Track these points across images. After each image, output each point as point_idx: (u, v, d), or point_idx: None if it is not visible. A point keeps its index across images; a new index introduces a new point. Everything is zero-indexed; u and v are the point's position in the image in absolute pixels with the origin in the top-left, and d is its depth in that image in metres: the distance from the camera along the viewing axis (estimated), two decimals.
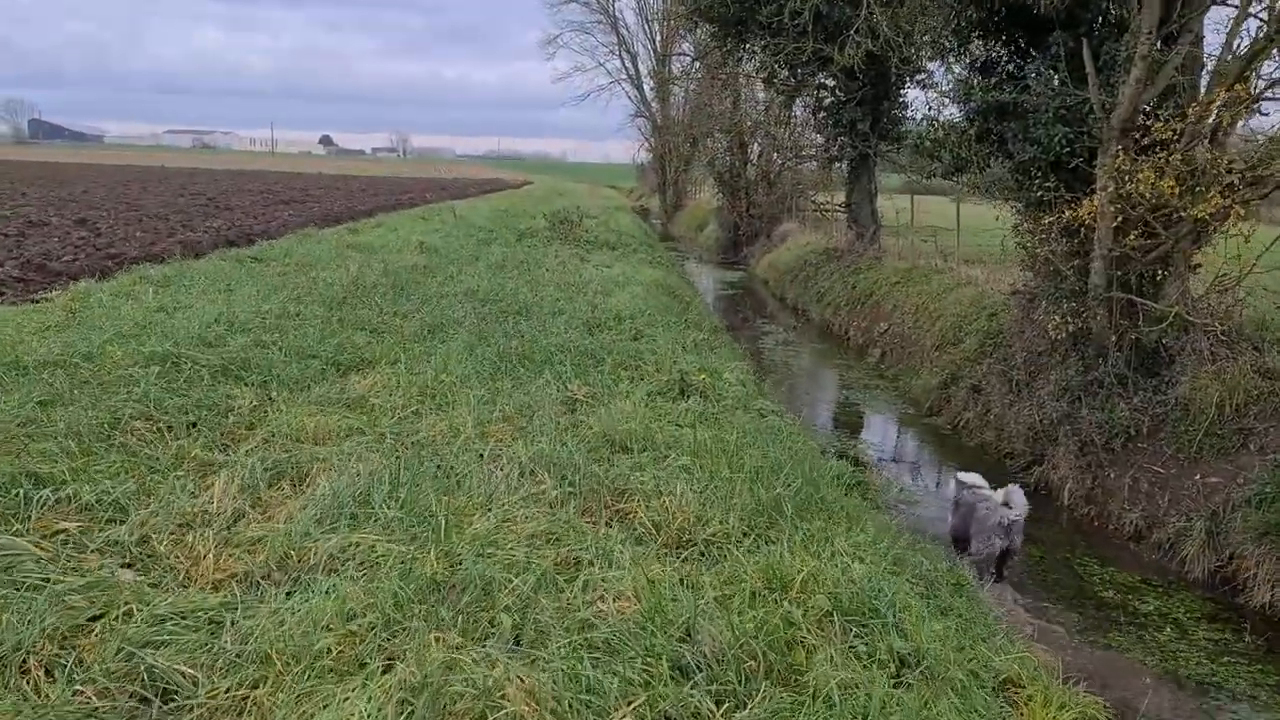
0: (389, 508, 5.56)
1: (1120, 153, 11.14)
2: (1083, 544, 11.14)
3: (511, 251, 22.37)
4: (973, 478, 10.20)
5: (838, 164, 30.77)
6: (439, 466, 6.52)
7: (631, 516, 5.76)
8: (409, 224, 28.96)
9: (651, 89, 70.21)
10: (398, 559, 4.90)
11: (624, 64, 70.30)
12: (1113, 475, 11.73)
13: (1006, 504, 9.63)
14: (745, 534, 5.56)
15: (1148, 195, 10.94)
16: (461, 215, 32.71)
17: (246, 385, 8.43)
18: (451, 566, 4.86)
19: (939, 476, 13.64)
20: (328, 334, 10.88)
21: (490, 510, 5.66)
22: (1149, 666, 8.41)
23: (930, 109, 13.51)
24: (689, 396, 9.02)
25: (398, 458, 6.68)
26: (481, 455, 6.82)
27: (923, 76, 28.51)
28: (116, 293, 12.98)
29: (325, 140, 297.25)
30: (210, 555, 5.03)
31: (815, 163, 40.94)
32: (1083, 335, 12.53)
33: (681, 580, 4.89)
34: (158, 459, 6.50)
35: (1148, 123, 11.26)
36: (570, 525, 5.50)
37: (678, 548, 5.42)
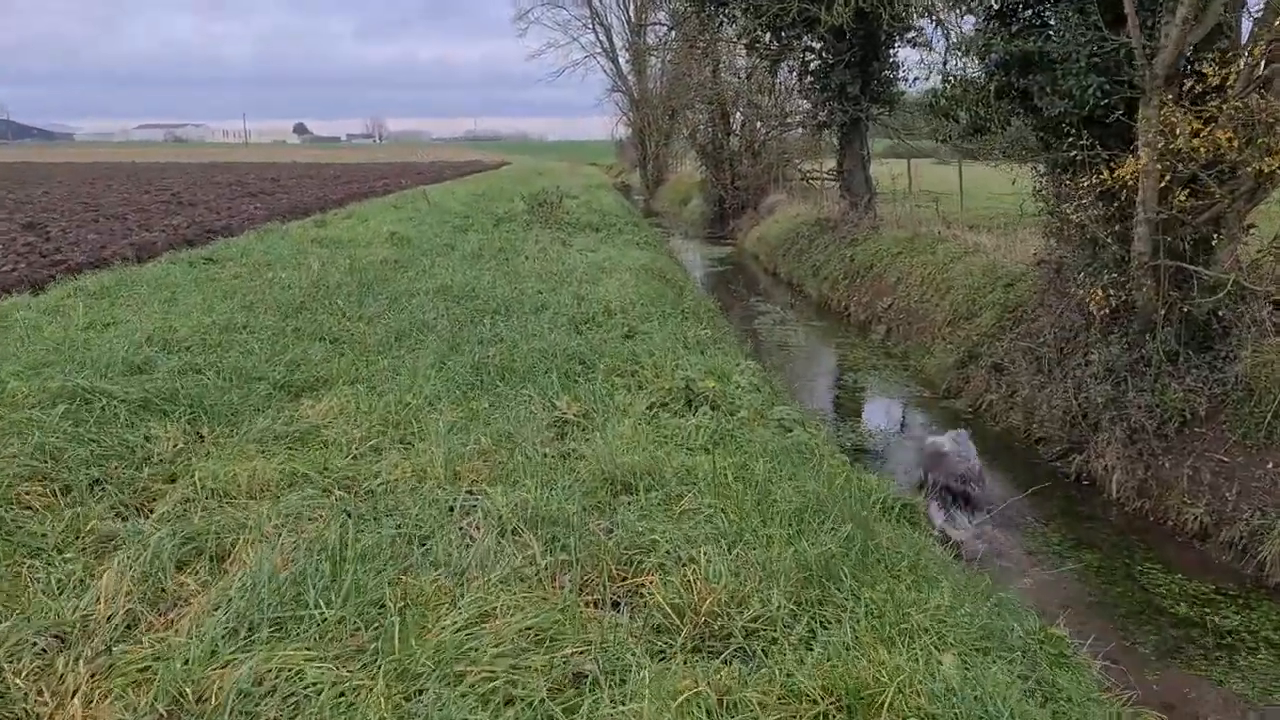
0: (329, 602, 4.24)
1: (1169, 102, 9.84)
2: (1141, 546, 9.90)
3: (488, 239, 20.96)
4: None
5: (827, 130, 29.28)
6: (398, 529, 5.20)
7: (645, 594, 4.46)
8: (381, 213, 27.49)
9: (627, 62, 68.54)
10: (332, 692, 3.59)
11: (598, 37, 68.66)
12: (1168, 465, 10.50)
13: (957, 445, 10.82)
14: (794, 614, 4.27)
15: (1202, 150, 9.66)
16: (436, 201, 31.21)
17: (173, 422, 7.08)
18: (406, 701, 3.55)
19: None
20: (279, 349, 9.52)
21: (463, 597, 4.35)
22: (1252, 701, 7.20)
23: (946, 64, 12.13)
24: (697, 408, 7.71)
25: (347, 517, 5.36)
26: (452, 509, 5.50)
27: (913, 34, 27.18)
28: (45, 309, 11.58)
29: (299, 129, 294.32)
30: (81, 693, 3.72)
31: (802, 130, 39.53)
32: (1125, 309, 11.26)
33: (721, 701, 3.60)
34: (43, 536, 5.16)
35: (1197, 68, 9.97)
36: (566, 614, 4.20)
37: (709, 640, 4.12)
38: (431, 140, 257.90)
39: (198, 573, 4.82)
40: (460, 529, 5.23)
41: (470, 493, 5.84)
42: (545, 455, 6.44)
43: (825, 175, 42.82)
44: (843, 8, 22.19)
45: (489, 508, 5.38)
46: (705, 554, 4.65)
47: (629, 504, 5.58)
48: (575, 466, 6.23)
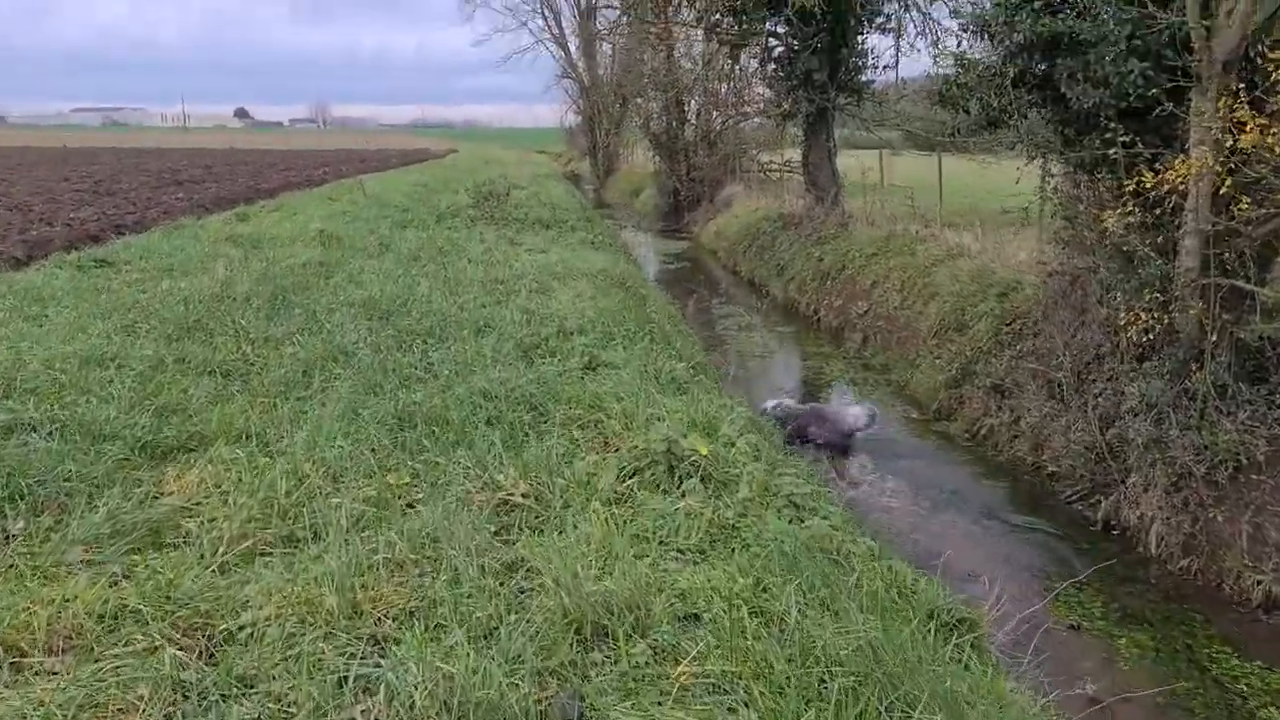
0: None
1: (1239, 91, 8.25)
2: (1198, 619, 8.33)
3: (429, 236, 19.01)
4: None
5: (791, 121, 27.61)
6: None
7: None
8: (313, 205, 25.38)
9: (577, 48, 66.50)
10: None
11: (546, 22, 66.40)
12: (1220, 518, 8.93)
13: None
14: None
15: (1278, 149, 8.08)
16: (374, 193, 29.08)
17: None
18: None
19: (984, 508, 10.78)
20: (151, 390, 7.58)
21: None
22: None
23: (960, 45, 10.44)
24: (683, 481, 5.96)
25: (181, 701, 3.55)
26: (343, 683, 3.70)
27: (882, 20, 25.66)
28: None
29: (241, 113, 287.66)
30: None
31: (759, 121, 37.91)
32: (1165, 333, 9.70)
33: None
34: None
35: (1264, 50, 8.39)
36: None
37: None
38: (377, 127, 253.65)
39: None
40: None
41: (375, 642, 4.04)
42: (483, 570, 4.64)
43: (782, 167, 41.26)
44: None
45: (396, 684, 3.58)
46: None
47: (605, 667, 3.81)
48: (525, 590, 4.44)
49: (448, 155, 77.08)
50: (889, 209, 24.30)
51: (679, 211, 41.86)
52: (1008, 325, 14.17)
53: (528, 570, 4.66)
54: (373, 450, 6.34)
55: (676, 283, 27.83)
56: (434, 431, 6.69)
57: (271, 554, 4.94)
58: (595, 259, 16.52)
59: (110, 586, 4.49)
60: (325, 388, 7.85)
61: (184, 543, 5.08)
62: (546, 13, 66.24)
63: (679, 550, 4.99)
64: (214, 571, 4.74)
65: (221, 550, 4.95)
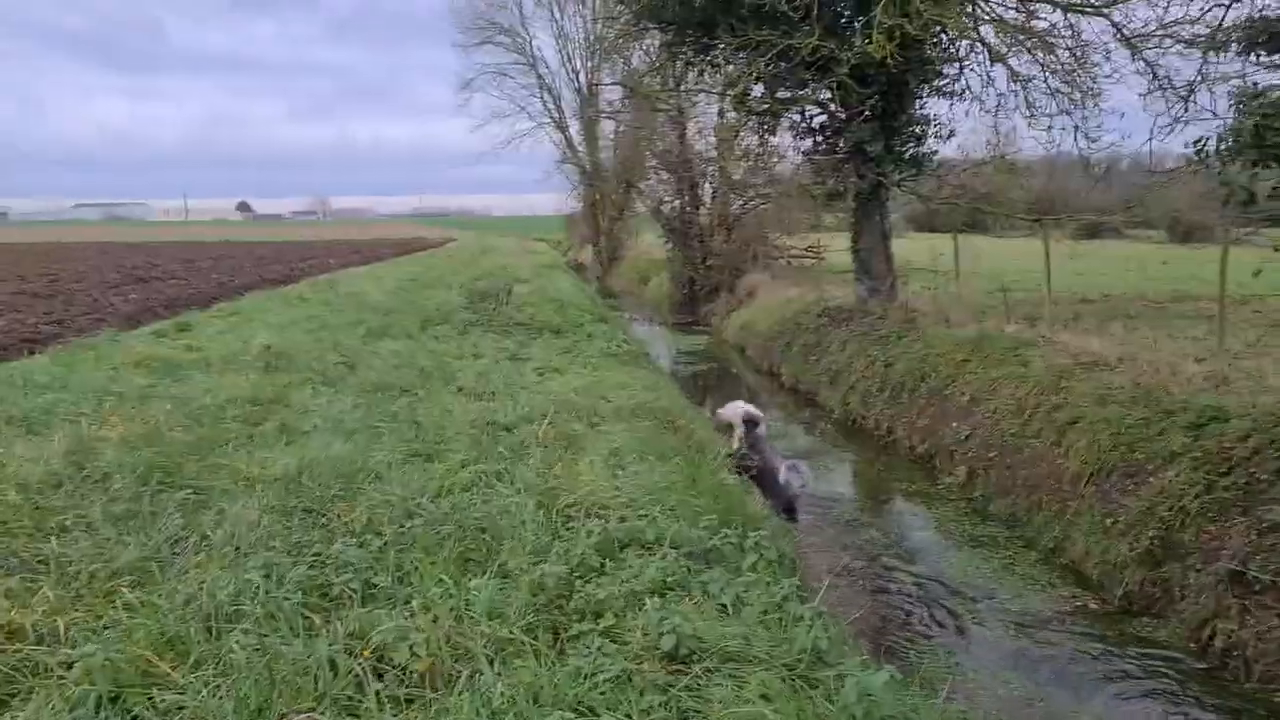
0: None
1: None
2: None
3: (409, 350, 14.85)
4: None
5: (839, 200, 23.69)
6: None
7: None
8: (277, 309, 21.29)
9: (578, 131, 63.33)
10: None
11: (545, 106, 63.18)
12: None
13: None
14: None
15: None
16: (353, 292, 24.97)
17: None
18: None
19: None
20: None
21: None
22: None
23: (1245, 79, 6.27)
24: None
25: None
26: None
27: (941, 83, 21.91)
28: None
29: (243, 206, 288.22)
30: None
31: (784, 200, 34.17)
32: None
33: None
34: None
35: None
36: None
37: None
38: (376, 216, 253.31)
39: None
40: None
41: None
42: None
43: (806, 252, 37.61)
44: (882, 39, 16.61)
45: None
46: None
47: None
48: None
49: (445, 244, 73.77)
50: (966, 301, 20.33)
51: (695, 302, 38.07)
52: (1224, 475, 9.97)
53: None
54: None
55: (703, 388, 23.64)
56: None
57: None
58: (629, 383, 12.31)
59: None
60: None
61: None
62: (545, 96, 63.15)
63: None
64: None
65: None
